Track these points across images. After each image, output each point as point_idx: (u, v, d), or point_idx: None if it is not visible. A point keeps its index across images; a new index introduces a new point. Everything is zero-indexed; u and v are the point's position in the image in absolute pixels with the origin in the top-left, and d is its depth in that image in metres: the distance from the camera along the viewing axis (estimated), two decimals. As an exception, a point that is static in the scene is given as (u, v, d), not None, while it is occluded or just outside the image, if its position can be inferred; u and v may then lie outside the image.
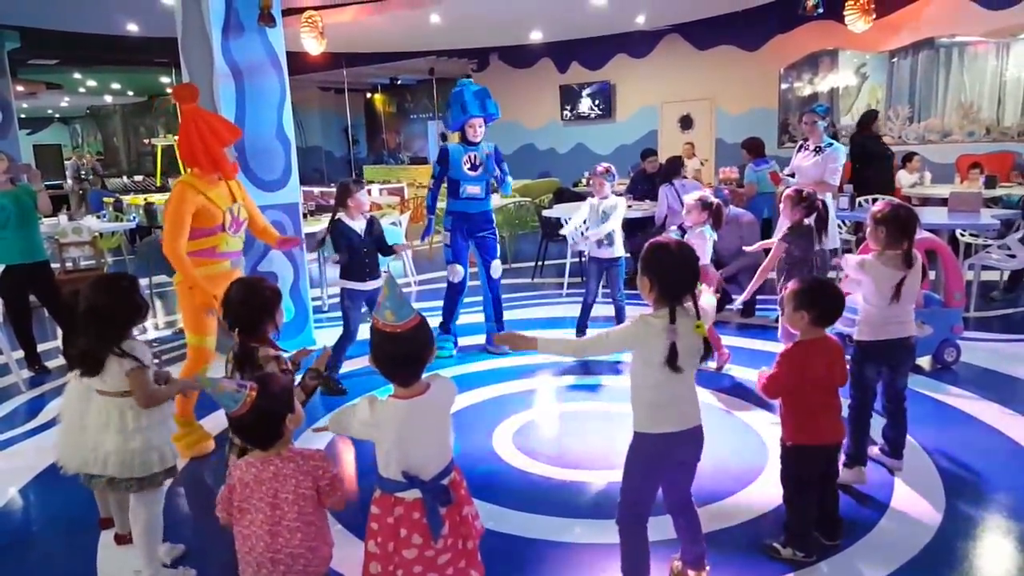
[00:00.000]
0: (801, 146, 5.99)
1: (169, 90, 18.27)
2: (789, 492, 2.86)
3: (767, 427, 4.02)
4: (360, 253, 4.82)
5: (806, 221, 4.42)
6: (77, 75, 17.21)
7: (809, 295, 2.77)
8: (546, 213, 8.57)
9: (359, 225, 4.85)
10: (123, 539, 3.10)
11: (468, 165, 5.30)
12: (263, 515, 2.04)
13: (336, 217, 4.84)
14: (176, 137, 18.63)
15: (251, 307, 2.64)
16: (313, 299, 6.57)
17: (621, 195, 7.81)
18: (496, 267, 5.57)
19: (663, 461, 2.41)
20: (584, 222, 5.76)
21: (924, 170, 9.70)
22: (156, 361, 2.79)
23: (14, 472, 3.89)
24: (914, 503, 3.20)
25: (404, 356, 2.01)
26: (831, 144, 5.70)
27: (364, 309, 4.97)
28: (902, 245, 3.22)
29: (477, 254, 5.54)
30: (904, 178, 9.62)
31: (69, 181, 17.75)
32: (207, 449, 3.98)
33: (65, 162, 20.72)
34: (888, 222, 3.23)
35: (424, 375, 2.07)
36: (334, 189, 12.50)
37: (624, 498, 2.46)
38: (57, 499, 3.61)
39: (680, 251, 2.33)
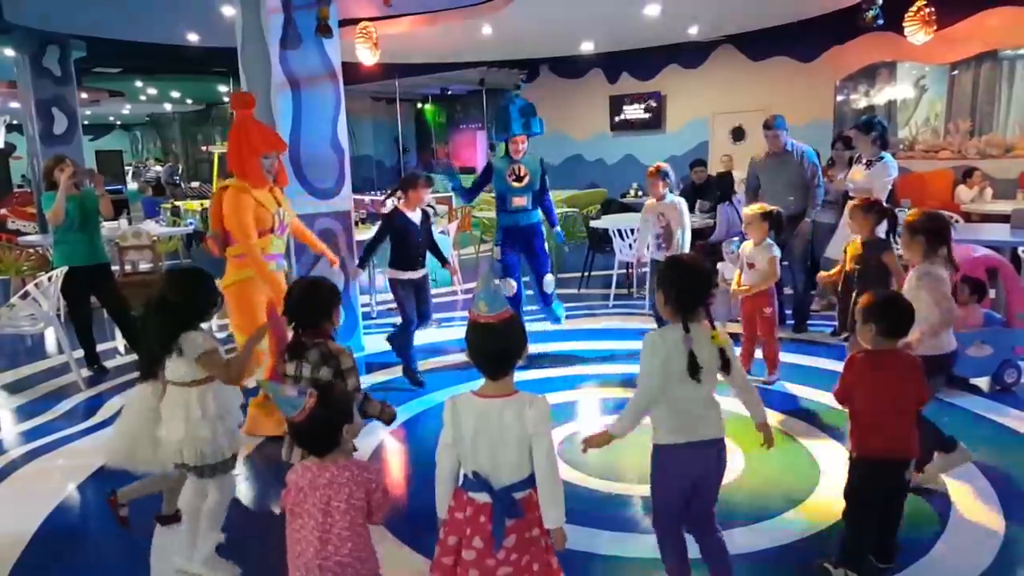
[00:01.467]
0: (856, 158, 5.99)
1: (227, 99, 18.74)
2: (850, 509, 2.78)
3: (819, 445, 3.96)
4: (415, 243, 5.00)
5: (878, 231, 4.23)
6: (139, 83, 17.74)
7: (876, 308, 2.74)
8: (594, 224, 8.55)
9: (416, 216, 5.03)
10: (167, 519, 3.23)
11: (513, 177, 5.33)
12: (314, 521, 2.05)
13: (395, 206, 5.02)
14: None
15: (312, 305, 2.73)
16: (362, 305, 6.64)
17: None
18: (548, 282, 5.55)
19: (681, 472, 2.44)
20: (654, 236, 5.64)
21: (986, 186, 9.44)
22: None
23: (72, 469, 4.01)
24: (972, 527, 3.11)
25: (494, 347, 2.07)
26: (882, 158, 5.69)
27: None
28: (941, 251, 3.27)
29: (530, 269, 5.55)
30: (963, 193, 9.38)
31: (163, 183, 18.24)
32: None
33: (157, 168, 21.28)
34: (926, 231, 3.28)
35: (527, 392, 2.10)
36: (383, 198, 12.60)
37: (654, 507, 2.56)
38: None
39: (692, 265, 2.44)
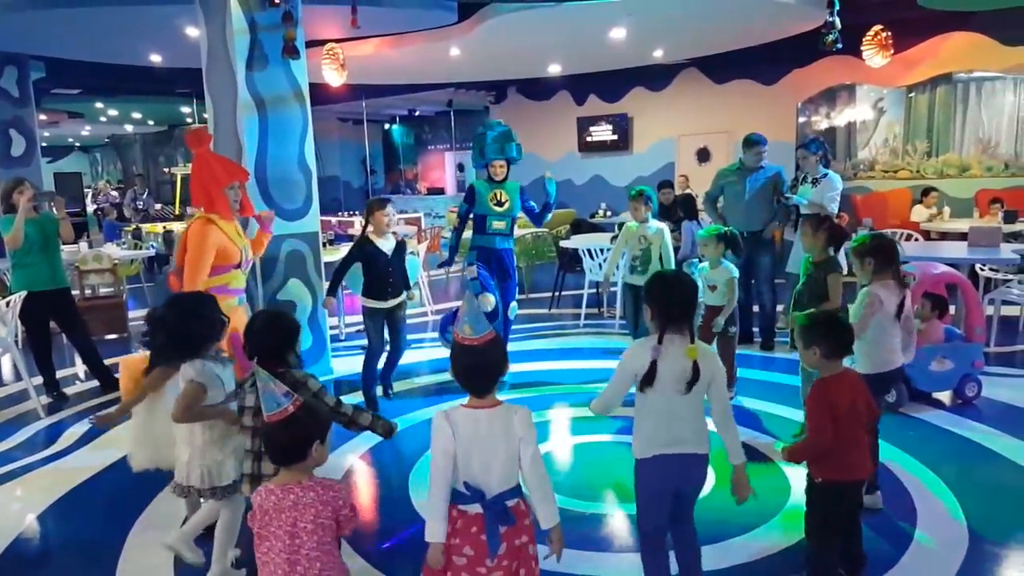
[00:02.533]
0: (803, 178, 6.33)
1: (190, 120, 18.55)
2: (816, 530, 2.77)
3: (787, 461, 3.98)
4: (384, 272, 4.90)
5: (831, 251, 4.17)
6: (99, 104, 17.46)
7: (818, 330, 2.71)
8: (563, 244, 8.59)
9: (387, 245, 4.93)
10: None
11: (494, 201, 5.34)
12: (281, 544, 2.04)
13: (364, 235, 4.94)
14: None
15: (274, 337, 2.72)
16: (331, 328, 6.57)
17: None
18: (513, 309, 5.55)
19: (659, 485, 2.49)
20: (624, 254, 5.70)
21: (943, 205, 9.66)
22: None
23: (32, 499, 3.89)
24: (936, 540, 3.15)
25: (479, 367, 2.17)
26: (826, 174, 6.11)
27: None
28: (890, 272, 3.32)
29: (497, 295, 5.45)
30: (919, 213, 9.59)
31: (127, 211, 17.33)
32: None
33: (128, 191, 20.57)
34: (873, 253, 3.34)
35: (505, 399, 2.21)
36: (351, 219, 12.54)
37: (638, 521, 2.61)
38: (74, 526, 3.61)
39: (677, 281, 2.50)
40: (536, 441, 2.16)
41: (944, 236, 8.77)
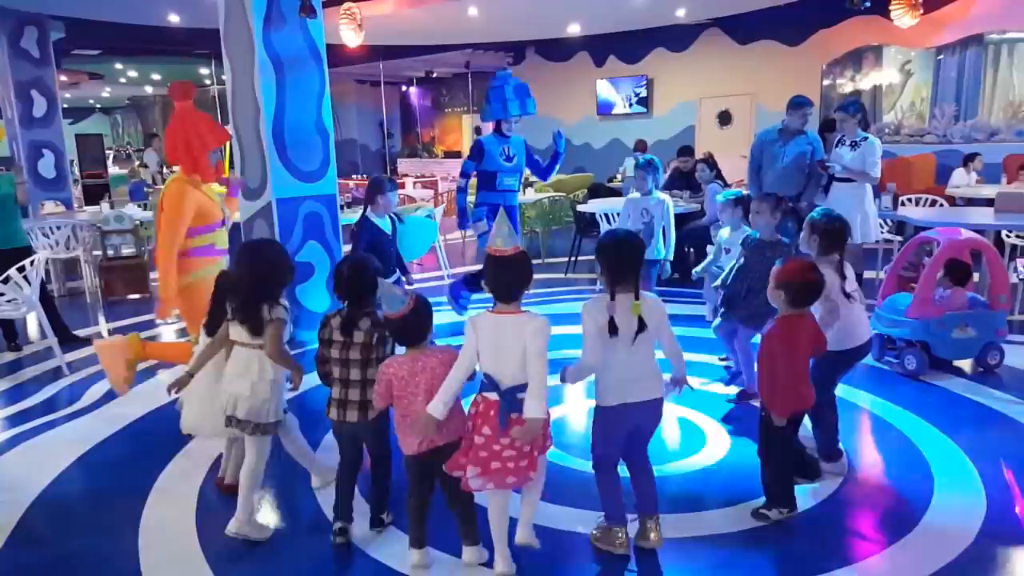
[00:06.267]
0: (839, 141, 6.15)
1: (208, 82, 18.52)
2: (775, 455, 3.04)
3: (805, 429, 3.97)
4: (388, 251, 4.85)
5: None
6: (118, 65, 17.47)
7: (787, 277, 2.97)
8: (580, 208, 8.53)
9: (386, 225, 4.89)
10: (225, 486, 3.37)
11: (503, 157, 5.31)
12: (423, 396, 2.58)
13: (365, 214, 4.89)
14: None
15: (361, 282, 2.97)
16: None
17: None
18: None
19: (618, 428, 2.76)
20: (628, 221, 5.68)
21: (982, 171, 9.48)
22: None
23: (57, 453, 3.96)
24: (953, 507, 3.14)
25: (509, 276, 2.51)
26: (866, 138, 5.97)
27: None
28: (834, 254, 3.37)
29: None
30: (961, 177, 9.34)
31: (144, 174, 17.18)
32: None
33: (148, 152, 20.55)
34: (823, 233, 3.39)
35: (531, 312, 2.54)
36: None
37: (595, 457, 2.85)
38: (98, 480, 3.69)
39: (625, 240, 2.71)
40: (544, 346, 2.46)
41: (970, 202, 8.62)
